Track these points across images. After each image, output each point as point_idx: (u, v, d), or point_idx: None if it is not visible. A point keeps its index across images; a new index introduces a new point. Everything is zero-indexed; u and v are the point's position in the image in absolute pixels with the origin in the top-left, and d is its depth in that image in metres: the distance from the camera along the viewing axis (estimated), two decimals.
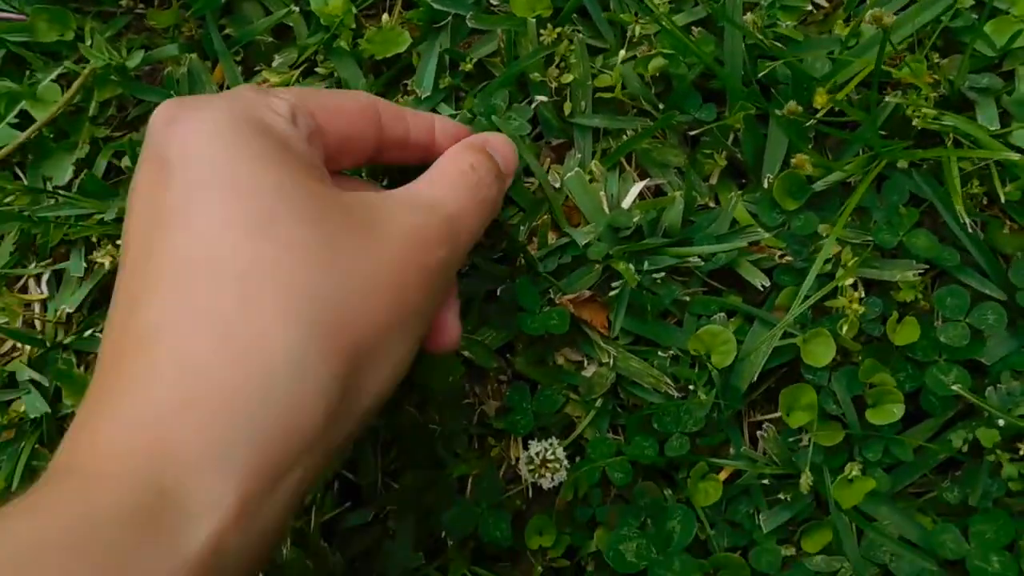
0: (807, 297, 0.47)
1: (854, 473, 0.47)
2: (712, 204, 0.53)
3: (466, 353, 0.50)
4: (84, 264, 0.53)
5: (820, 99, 0.45)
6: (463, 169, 0.40)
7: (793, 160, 0.45)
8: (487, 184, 0.41)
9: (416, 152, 0.43)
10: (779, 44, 0.50)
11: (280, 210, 0.30)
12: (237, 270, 0.29)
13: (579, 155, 0.53)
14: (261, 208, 0.30)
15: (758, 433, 0.50)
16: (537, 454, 0.46)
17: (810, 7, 0.52)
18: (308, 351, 0.29)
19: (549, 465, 0.46)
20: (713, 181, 0.53)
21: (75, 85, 0.51)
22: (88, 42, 0.52)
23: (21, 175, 0.55)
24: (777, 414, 0.51)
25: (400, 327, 0.33)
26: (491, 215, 0.42)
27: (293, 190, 0.31)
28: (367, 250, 0.32)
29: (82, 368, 0.53)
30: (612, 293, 0.50)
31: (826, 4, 0.53)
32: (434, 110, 0.53)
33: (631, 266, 0.47)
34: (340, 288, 0.30)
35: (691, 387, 0.48)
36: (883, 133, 0.50)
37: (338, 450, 0.31)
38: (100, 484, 0.26)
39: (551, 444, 0.47)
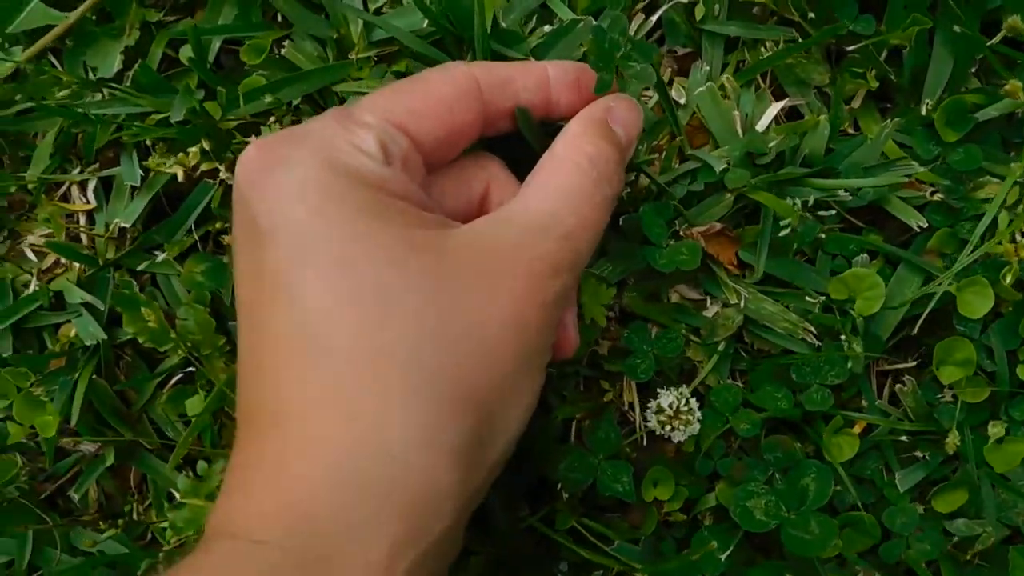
0: (975, 247, 0.42)
1: (998, 431, 0.44)
2: (852, 131, 0.47)
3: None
4: (140, 172, 0.45)
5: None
6: (580, 165, 0.35)
7: (1006, 87, 0.39)
8: (608, 178, 0.36)
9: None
10: None
11: (386, 279, 0.29)
12: (352, 348, 0.28)
13: (707, 67, 0.46)
14: (366, 279, 0.29)
15: (896, 387, 0.46)
16: (670, 405, 0.42)
17: None
18: (436, 422, 0.29)
19: (682, 417, 0.42)
20: (855, 105, 0.47)
21: None
22: None
23: (57, 63, 0.47)
24: (911, 364, 0.47)
25: (525, 369, 0.32)
26: (611, 210, 0.37)
27: (397, 251, 0.30)
28: (483, 302, 0.30)
29: (138, 288, 0.47)
30: (749, 227, 0.45)
31: None
32: (545, 5, 0.46)
33: (796, 201, 0.42)
34: (460, 351, 0.29)
35: (838, 337, 0.44)
36: None
37: (476, 495, 0.31)
38: (262, 549, 0.27)
39: (682, 393, 0.43)
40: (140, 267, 0.47)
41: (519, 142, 0.40)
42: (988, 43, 0.43)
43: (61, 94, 0.45)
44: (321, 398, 0.28)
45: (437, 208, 0.36)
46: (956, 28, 0.43)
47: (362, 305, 0.28)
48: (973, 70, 0.45)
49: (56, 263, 0.48)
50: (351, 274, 0.29)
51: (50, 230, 0.47)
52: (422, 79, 0.35)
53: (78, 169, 0.47)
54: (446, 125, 0.34)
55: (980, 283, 0.43)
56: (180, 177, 0.44)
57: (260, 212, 0.30)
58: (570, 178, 0.34)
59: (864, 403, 0.46)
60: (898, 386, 0.46)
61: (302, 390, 0.28)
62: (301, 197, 0.30)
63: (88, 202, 0.47)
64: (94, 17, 0.46)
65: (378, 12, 0.46)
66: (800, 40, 0.46)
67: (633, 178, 0.45)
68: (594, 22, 0.45)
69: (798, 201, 0.42)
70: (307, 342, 0.28)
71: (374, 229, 0.30)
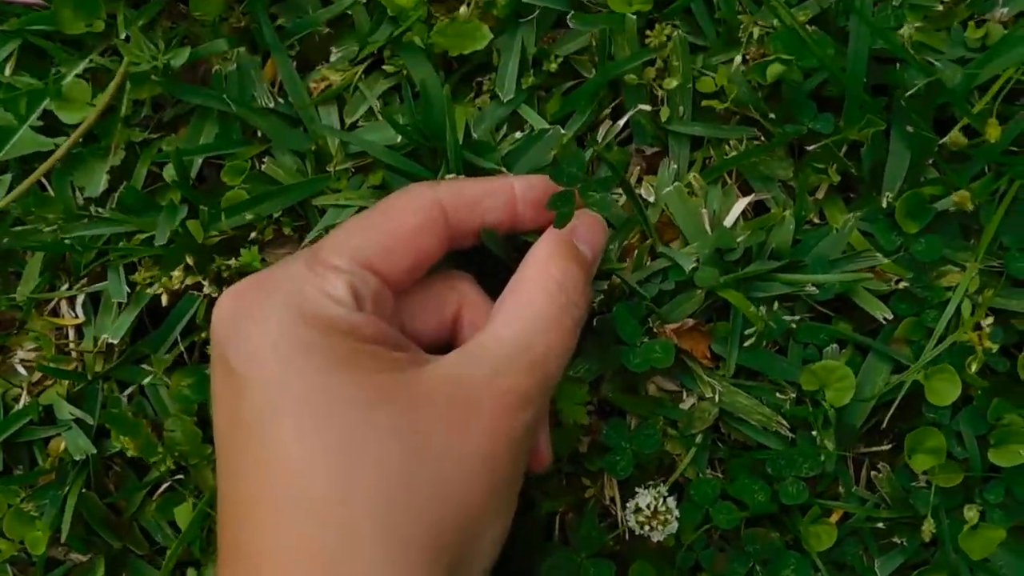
0: (941, 338, 0.43)
1: (973, 516, 0.45)
2: (817, 220, 0.49)
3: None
4: (126, 288, 0.47)
5: (993, 132, 0.40)
6: (549, 290, 0.36)
7: (955, 198, 0.41)
8: (575, 301, 0.37)
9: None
10: (907, 47, 0.45)
11: (356, 428, 0.30)
12: (324, 498, 0.29)
13: (675, 166, 0.48)
14: (336, 429, 0.30)
15: (872, 473, 0.47)
16: (648, 505, 0.43)
17: (940, 6, 0.47)
18: (406, 567, 0.29)
19: (660, 516, 0.43)
20: (820, 196, 0.48)
21: (111, 87, 0.44)
22: (122, 34, 0.45)
23: (47, 184, 0.48)
24: (885, 447, 0.48)
25: (496, 502, 0.32)
26: (581, 329, 0.38)
27: (367, 399, 0.30)
28: (454, 442, 0.31)
29: (125, 395, 0.48)
30: (720, 323, 0.46)
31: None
32: (515, 112, 0.48)
33: (761, 310, 0.43)
34: (429, 495, 0.30)
35: (811, 428, 0.45)
36: (1014, 149, 0.46)
37: None
38: None
39: (660, 493, 0.44)
40: (127, 378, 0.48)
41: (488, 251, 0.41)
42: (941, 141, 0.45)
43: (48, 212, 0.47)
44: (296, 547, 0.29)
45: (410, 333, 0.37)
46: (909, 128, 0.44)
47: (332, 456, 0.29)
48: (930, 161, 0.47)
49: (46, 376, 0.49)
50: (322, 425, 0.30)
51: (39, 345, 0.48)
52: (388, 210, 0.36)
53: (67, 285, 0.48)
54: (414, 255, 0.36)
55: (947, 371, 0.44)
56: (164, 301, 0.45)
57: (235, 362, 0.31)
58: (539, 304, 0.35)
59: (841, 489, 0.47)
60: (873, 472, 0.47)
61: (277, 539, 0.29)
62: (273, 349, 0.31)
63: (77, 316, 0.48)
64: (81, 139, 0.47)
65: (354, 126, 0.48)
66: (762, 138, 0.48)
67: (605, 285, 0.46)
68: (562, 130, 0.47)
69: (763, 309, 0.43)
70: (282, 492, 0.29)
71: (344, 379, 0.30)
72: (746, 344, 0.45)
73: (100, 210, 0.46)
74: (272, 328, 0.31)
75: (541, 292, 0.36)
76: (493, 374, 0.33)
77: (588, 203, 0.41)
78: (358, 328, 0.32)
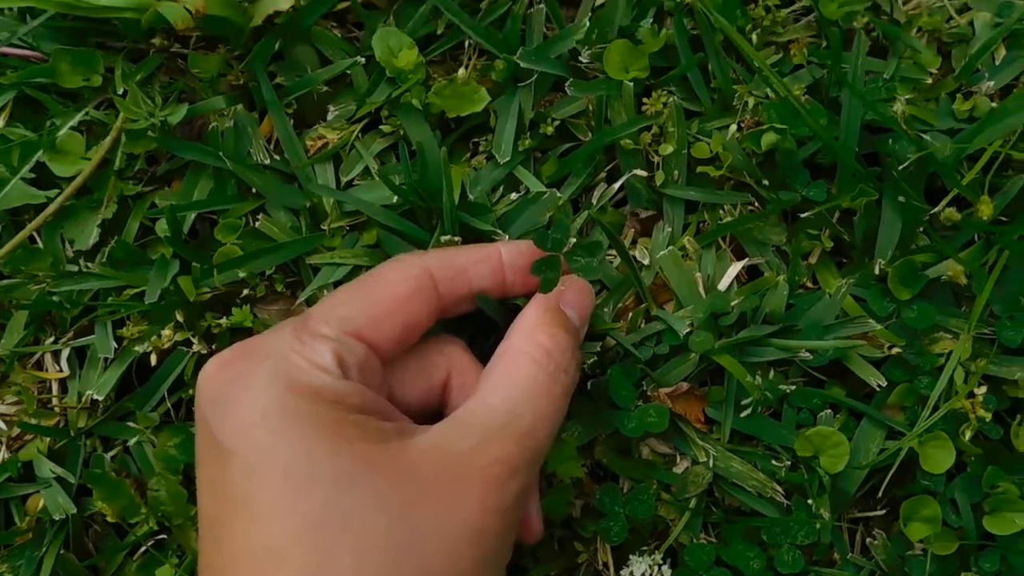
0: (935, 407, 0.43)
1: None
2: (810, 284, 0.49)
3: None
4: (114, 343, 0.46)
5: (986, 209, 0.41)
6: (536, 358, 0.36)
7: (948, 272, 0.41)
8: (564, 367, 0.37)
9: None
10: (899, 121, 0.46)
11: (340, 498, 0.30)
12: (307, 570, 0.29)
13: (669, 229, 0.48)
14: (320, 500, 0.29)
15: (868, 540, 0.46)
16: (643, 573, 0.42)
17: (928, 79, 0.48)
18: None
19: None
20: (812, 260, 0.49)
21: (106, 142, 0.44)
22: (119, 89, 0.45)
23: (37, 237, 0.48)
24: (879, 512, 0.47)
25: (484, 574, 0.32)
26: (571, 395, 0.38)
27: (352, 469, 0.30)
28: (440, 514, 0.31)
29: (109, 455, 0.47)
30: (714, 387, 0.46)
31: (935, 71, 0.50)
32: (512, 174, 0.48)
33: (756, 376, 0.43)
34: (418, 567, 0.30)
35: (806, 498, 0.44)
36: (1003, 219, 0.47)
37: None
38: None
39: (655, 560, 0.43)
40: (111, 434, 0.47)
41: (482, 312, 0.41)
42: (932, 211, 0.45)
43: (37, 267, 0.46)
44: None
45: (399, 399, 0.37)
46: (901, 198, 0.45)
47: (313, 531, 0.29)
48: (921, 229, 0.48)
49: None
50: (307, 495, 0.29)
51: (21, 399, 0.47)
52: (377, 279, 0.36)
53: (52, 338, 0.47)
54: (402, 324, 0.36)
55: (941, 438, 0.44)
56: (153, 360, 0.44)
57: (221, 431, 0.31)
58: (527, 373, 0.35)
59: (836, 556, 0.47)
60: (869, 539, 0.46)
61: None
62: (259, 419, 0.31)
63: (61, 370, 0.47)
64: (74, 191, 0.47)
65: (350, 184, 0.48)
66: (756, 203, 0.48)
67: (599, 347, 0.46)
68: (558, 193, 0.47)
69: (758, 375, 0.43)
70: (264, 564, 0.29)
71: (330, 448, 0.30)
72: (743, 415, 0.44)
73: (89, 265, 0.45)
74: (258, 398, 0.31)
75: (528, 360, 0.36)
76: (480, 444, 0.32)
77: (574, 268, 0.41)
78: (344, 397, 0.32)
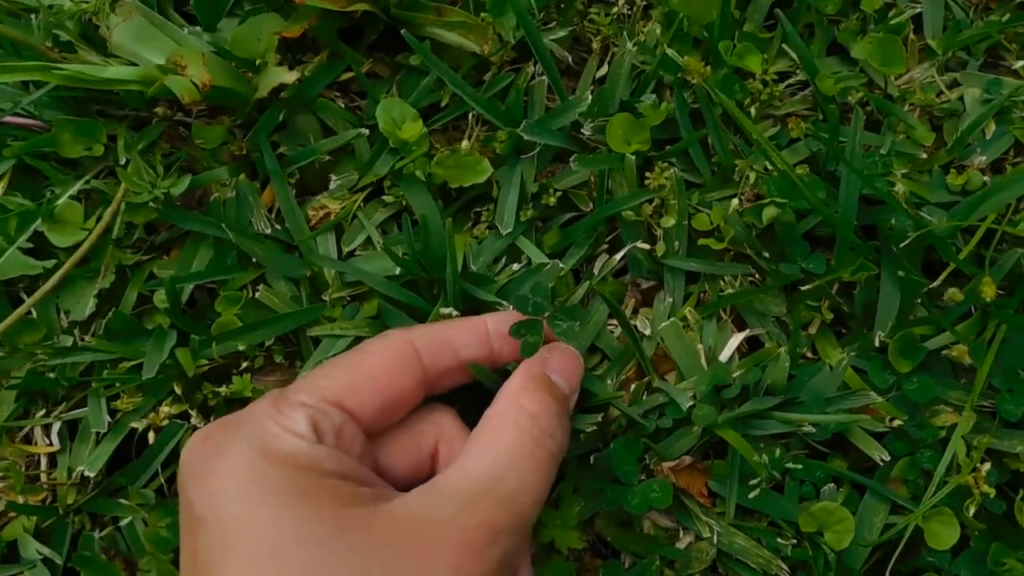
0: (940, 484, 0.43)
1: None
2: (810, 354, 0.49)
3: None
4: (108, 417, 0.45)
5: (989, 291, 0.41)
6: (520, 422, 0.36)
7: (953, 353, 0.41)
8: (550, 432, 0.36)
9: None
10: (899, 199, 0.46)
11: (311, 567, 0.29)
12: None
13: (670, 299, 0.48)
14: (289, 569, 0.29)
15: None
16: None
17: (923, 155, 0.49)
18: None
19: None
20: (812, 331, 0.49)
21: (107, 214, 0.44)
22: (122, 159, 0.45)
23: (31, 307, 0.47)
24: None
25: None
26: (559, 462, 0.37)
27: (323, 533, 0.30)
28: None
29: (95, 531, 0.46)
30: (717, 461, 0.46)
31: (928, 145, 0.51)
32: (514, 245, 0.48)
33: (763, 458, 0.43)
34: None
35: (811, 571, 0.44)
36: (1000, 292, 0.47)
37: None
38: None
39: None
40: (101, 511, 0.45)
41: (476, 383, 0.41)
42: (930, 285, 0.46)
43: (28, 338, 0.45)
44: None
45: (387, 470, 0.36)
46: (900, 272, 0.45)
47: None
48: (919, 301, 0.48)
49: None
50: (274, 564, 0.29)
51: (7, 475, 0.45)
52: (361, 352, 0.37)
53: (43, 411, 0.46)
54: (384, 394, 0.35)
55: (946, 514, 0.44)
56: (151, 438, 0.43)
57: (195, 500, 0.31)
58: (510, 437, 0.35)
59: None
60: None
61: None
62: (230, 487, 0.30)
63: (51, 444, 0.46)
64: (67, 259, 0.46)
65: (351, 254, 0.48)
66: (756, 274, 0.48)
67: (600, 417, 0.45)
68: (560, 264, 0.47)
69: (766, 457, 0.43)
70: None
71: (299, 513, 0.30)
72: (751, 496, 0.44)
73: (85, 337, 0.45)
74: (230, 465, 0.31)
75: (511, 424, 0.35)
76: (459, 510, 0.32)
77: (557, 332, 0.41)
78: (317, 462, 0.32)
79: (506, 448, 0.35)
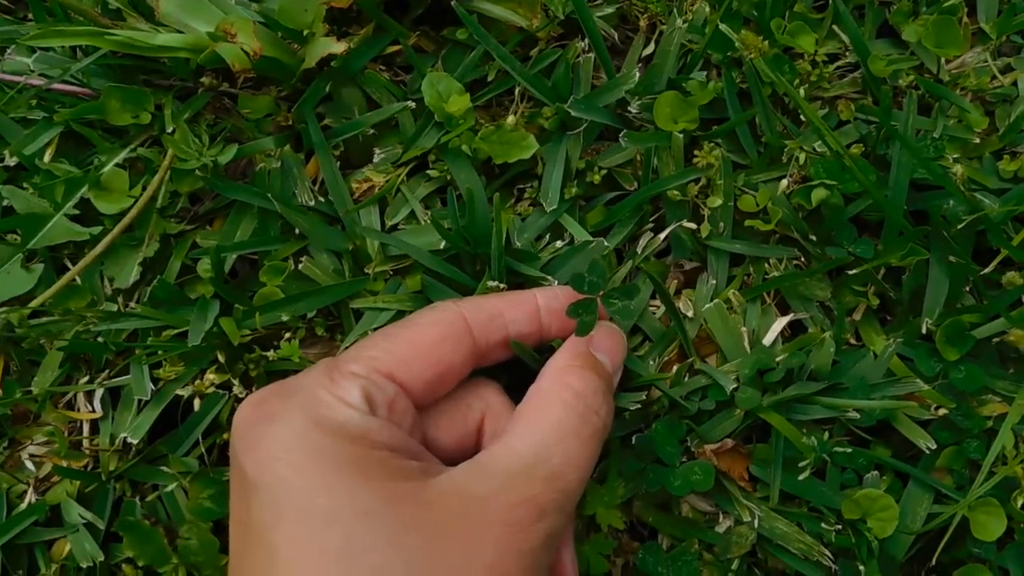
0: (988, 475, 0.42)
1: None
2: (853, 340, 0.48)
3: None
4: (150, 385, 0.45)
5: None
6: (566, 399, 0.36)
7: (1010, 337, 0.41)
8: (595, 409, 0.36)
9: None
10: (956, 182, 0.46)
11: (360, 536, 0.30)
12: None
13: (713, 281, 0.48)
14: (339, 536, 0.29)
15: None
16: None
17: (976, 139, 0.48)
18: None
19: None
20: (856, 317, 0.48)
21: (154, 181, 0.44)
22: (168, 128, 0.45)
23: (72, 267, 0.47)
24: None
25: None
26: (604, 439, 0.37)
27: (372, 504, 0.30)
28: (461, 554, 0.30)
29: (136, 498, 0.46)
30: (759, 445, 0.45)
31: (981, 131, 0.50)
32: (558, 222, 0.48)
33: (811, 439, 0.42)
34: None
35: (853, 557, 0.43)
36: None
37: None
38: None
39: None
40: (142, 478, 0.46)
41: (520, 360, 0.40)
42: (981, 272, 0.45)
43: (74, 303, 0.45)
44: None
45: (434, 443, 0.37)
46: (951, 258, 0.45)
47: (331, 564, 0.29)
48: (968, 288, 0.47)
49: (55, 472, 0.47)
50: (324, 531, 0.29)
51: (51, 439, 0.46)
52: (411, 323, 0.37)
53: (87, 378, 0.46)
54: (435, 367, 0.35)
55: (992, 505, 0.44)
56: (197, 405, 0.43)
57: (248, 466, 0.31)
58: (555, 414, 0.35)
59: None
60: None
61: None
62: (284, 454, 0.31)
63: (94, 411, 0.46)
64: (113, 228, 0.46)
65: (394, 228, 0.47)
66: (802, 257, 0.48)
67: (644, 396, 0.45)
68: (605, 242, 0.47)
69: (812, 439, 0.43)
70: None
71: (350, 483, 0.30)
72: (800, 478, 0.43)
73: (132, 304, 0.45)
74: (284, 433, 0.31)
75: (557, 401, 0.35)
76: (505, 487, 0.32)
77: (610, 311, 0.41)
78: (369, 433, 0.32)
79: (552, 426, 0.35)
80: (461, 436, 0.38)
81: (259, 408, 0.33)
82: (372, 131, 0.48)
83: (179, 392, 0.44)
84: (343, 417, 0.32)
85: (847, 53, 0.51)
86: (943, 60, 0.50)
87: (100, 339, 0.44)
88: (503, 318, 0.38)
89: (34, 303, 0.41)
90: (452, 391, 0.38)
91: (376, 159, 0.48)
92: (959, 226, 0.44)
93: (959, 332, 0.46)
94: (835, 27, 0.50)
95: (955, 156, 0.47)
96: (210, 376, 0.43)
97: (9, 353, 0.46)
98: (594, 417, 0.36)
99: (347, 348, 0.37)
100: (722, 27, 0.44)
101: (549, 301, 0.40)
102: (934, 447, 0.45)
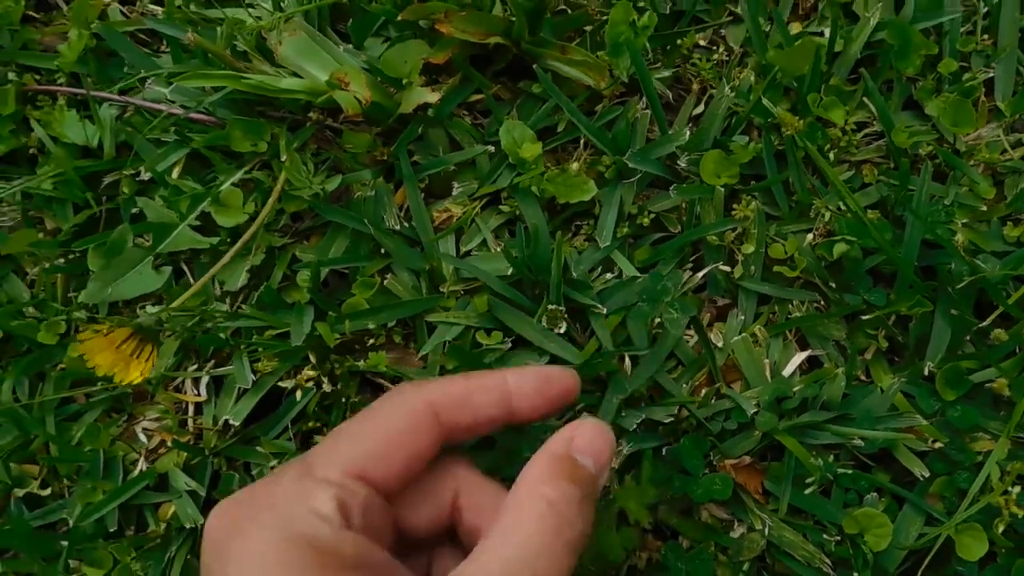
0: (973, 501, 0.49)
1: None
2: (864, 377, 0.55)
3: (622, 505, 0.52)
4: (251, 375, 0.52)
5: None
6: (540, 512, 0.34)
7: (994, 384, 0.47)
8: (570, 521, 0.34)
9: (492, 427, 0.39)
10: (958, 248, 0.52)
11: None
12: None
13: (742, 317, 0.54)
14: None
15: None
16: None
17: (984, 207, 0.54)
18: None
19: None
20: (867, 356, 0.55)
21: (270, 202, 0.51)
22: (282, 156, 0.53)
23: (188, 273, 0.55)
24: None
25: None
26: (581, 547, 0.35)
27: None
28: None
29: (233, 473, 0.53)
30: (774, 463, 0.52)
31: (989, 199, 0.56)
32: (610, 257, 0.55)
33: (819, 460, 0.49)
34: None
35: (850, 567, 0.50)
36: None
37: None
38: None
39: None
40: (237, 456, 0.53)
41: None
42: (979, 325, 0.51)
43: (191, 303, 0.53)
44: None
45: (408, 526, 0.37)
46: (953, 311, 0.51)
47: None
48: (968, 338, 0.53)
49: (161, 443, 0.54)
50: None
51: (159, 415, 0.53)
52: (377, 415, 0.36)
53: (195, 365, 0.54)
54: (404, 460, 0.35)
55: (976, 529, 0.50)
56: (299, 396, 0.50)
57: (225, 573, 0.31)
58: (527, 530, 0.33)
59: None
60: None
61: None
62: (252, 569, 0.31)
63: (199, 395, 0.54)
64: (229, 239, 0.54)
65: (467, 254, 0.55)
66: (822, 301, 0.54)
67: (676, 409, 0.52)
68: (646, 281, 0.53)
69: (820, 460, 0.49)
70: None
71: None
72: (807, 491, 0.50)
73: (243, 306, 0.52)
74: (255, 548, 0.31)
75: (533, 514, 0.34)
76: None
77: (665, 318, 0.47)
78: (341, 549, 0.32)
79: (524, 542, 0.33)
80: (434, 515, 0.38)
81: (231, 519, 0.33)
82: (453, 168, 0.55)
83: (280, 384, 0.51)
84: (316, 532, 0.32)
85: (874, 123, 0.57)
86: (959, 133, 0.57)
87: (222, 335, 0.51)
88: (471, 402, 0.37)
89: (176, 302, 0.48)
90: (421, 474, 0.37)
91: (455, 192, 0.55)
92: (961, 284, 0.50)
93: (957, 376, 0.52)
94: (865, 99, 0.57)
95: (964, 221, 0.54)
96: (309, 372, 0.50)
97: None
98: (568, 530, 0.34)
99: (317, 445, 0.37)
100: (764, 101, 0.51)
101: (520, 383, 0.38)
102: (928, 475, 0.51)
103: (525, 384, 0.38)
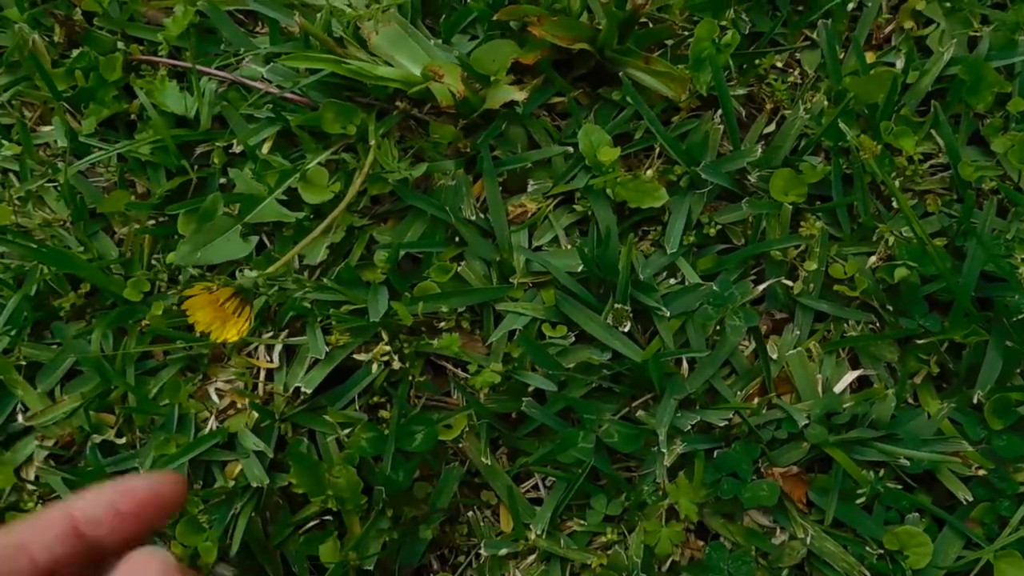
0: (1015, 529, 0.50)
1: None
2: (911, 400, 0.56)
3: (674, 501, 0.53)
4: (324, 346, 0.55)
5: None
6: None
7: None
8: None
9: (78, 566, 0.32)
10: (1020, 279, 0.53)
11: None
12: None
13: (797, 332, 0.56)
14: None
15: None
16: None
17: None
18: None
19: None
20: (917, 380, 0.56)
21: (357, 182, 0.54)
22: (371, 141, 0.55)
23: (268, 243, 0.57)
24: None
25: None
26: None
27: None
28: None
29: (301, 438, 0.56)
30: (820, 475, 0.53)
31: None
32: (675, 263, 0.56)
33: (869, 473, 0.50)
34: None
35: None
36: None
37: None
38: None
39: None
40: (303, 423, 0.55)
41: None
42: None
43: (274, 276, 0.55)
44: None
45: None
46: (1008, 343, 0.52)
47: None
48: (1019, 371, 0.55)
49: (231, 404, 0.56)
50: None
51: (232, 376, 0.56)
52: None
53: (271, 333, 0.56)
54: None
55: (1015, 556, 0.51)
56: (374, 369, 0.53)
57: None
58: None
59: None
60: None
61: None
62: None
63: (272, 362, 0.56)
64: (312, 215, 0.56)
65: (538, 248, 0.57)
66: (877, 323, 0.56)
67: (731, 414, 0.53)
68: (714, 287, 0.55)
69: (871, 473, 0.51)
70: None
71: None
72: (855, 503, 0.51)
73: (324, 279, 0.54)
74: None
75: None
76: None
77: (727, 326, 0.48)
78: None
79: None
80: None
81: None
82: (530, 165, 0.57)
83: (356, 356, 0.53)
84: None
85: (940, 154, 0.59)
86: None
87: (306, 303, 0.53)
88: (27, 549, 0.31)
89: (270, 268, 0.50)
90: None
91: (530, 188, 0.57)
92: (1018, 317, 0.51)
93: (1006, 407, 0.54)
94: (933, 131, 0.58)
95: (1023, 256, 0.55)
96: (384, 347, 0.52)
97: None
98: None
99: None
100: (841, 125, 0.53)
101: (90, 507, 0.32)
102: (971, 500, 0.53)
103: (98, 506, 0.32)
